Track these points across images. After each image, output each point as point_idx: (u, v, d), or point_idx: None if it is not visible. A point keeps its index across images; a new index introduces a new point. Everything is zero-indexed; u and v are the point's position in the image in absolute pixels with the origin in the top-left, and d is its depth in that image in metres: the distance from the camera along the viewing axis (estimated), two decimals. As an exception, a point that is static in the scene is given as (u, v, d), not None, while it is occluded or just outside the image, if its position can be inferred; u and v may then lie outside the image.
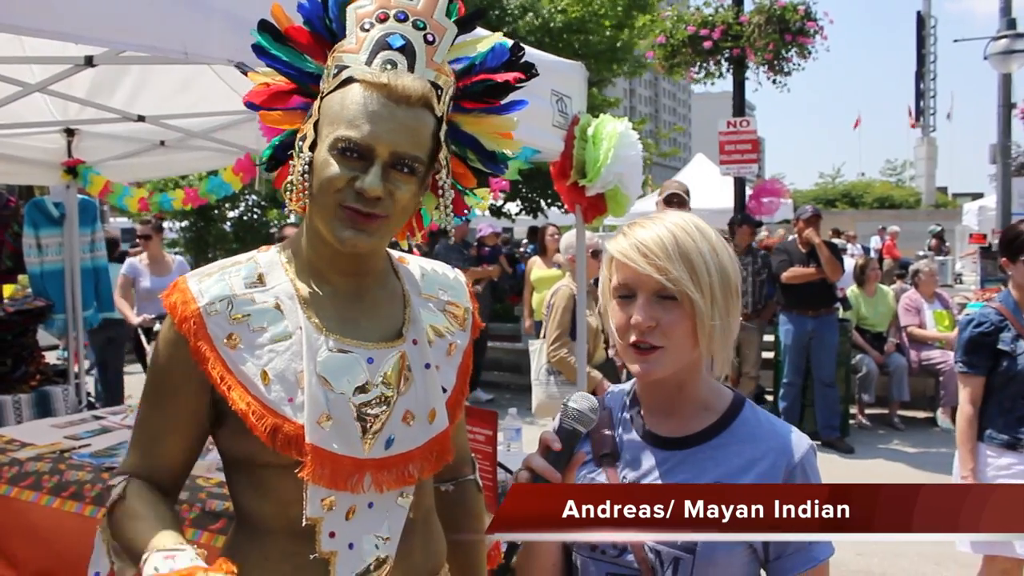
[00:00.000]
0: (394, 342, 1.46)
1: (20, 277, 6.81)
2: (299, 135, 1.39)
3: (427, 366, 1.48)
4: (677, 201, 5.44)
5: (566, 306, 4.89)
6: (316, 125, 1.36)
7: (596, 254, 4.94)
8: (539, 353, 5.11)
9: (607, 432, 1.53)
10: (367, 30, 1.34)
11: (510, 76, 1.45)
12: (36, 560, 3.37)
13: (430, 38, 1.37)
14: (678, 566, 1.38)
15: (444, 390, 1.52)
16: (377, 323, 1.47)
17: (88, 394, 5.99)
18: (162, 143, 5.25)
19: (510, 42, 1.48)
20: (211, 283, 1.39)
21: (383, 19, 1.35)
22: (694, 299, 1.36)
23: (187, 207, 5.51)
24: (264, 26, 1.39)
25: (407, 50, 1.34)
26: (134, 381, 8.19)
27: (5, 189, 7.07)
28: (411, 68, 1.34)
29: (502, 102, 1.48)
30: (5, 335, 5.10)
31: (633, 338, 1.40)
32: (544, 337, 5.03)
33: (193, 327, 1.35)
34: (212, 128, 4.81)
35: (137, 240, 6.66)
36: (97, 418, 4.40)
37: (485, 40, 1.47)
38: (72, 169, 5.41)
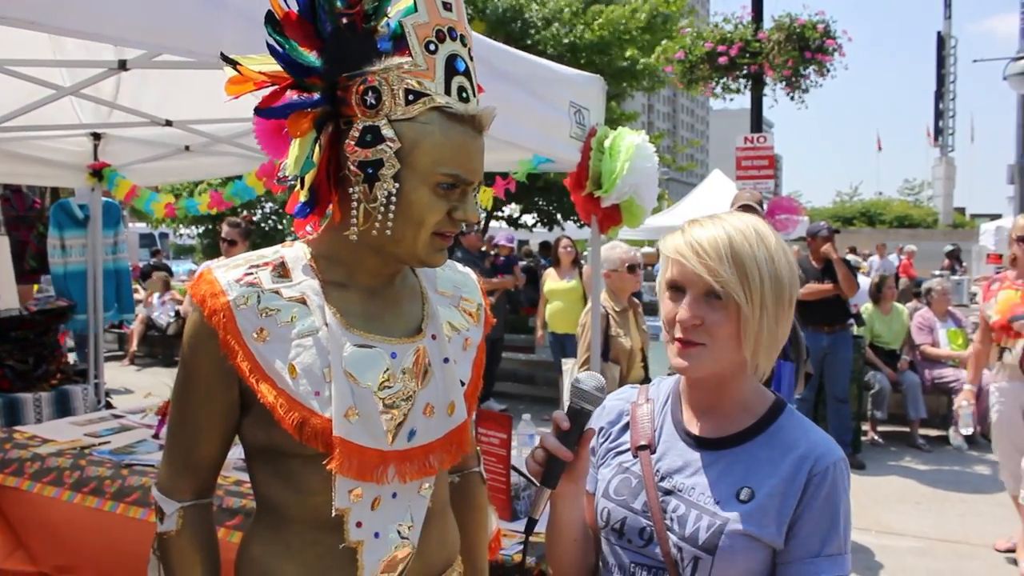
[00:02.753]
0: (415, 337, 1.49)
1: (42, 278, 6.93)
2: (358, 157, 1.34)
3: (446, 360, 1.52)
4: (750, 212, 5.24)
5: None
6: (398, 153, 1.33)
7: (632, 268, 4.84)
8: (570, 373, 5.10)
9: (647, 423, 1.56)
10: (433, 52, 1.34)
11: None
12: (55, 555, 3.43)
13: (471, 54, 1.41)
14: (697, 565, 1.40)
15: (462, 383, 1.56)
16: (399, 319, 1.50)
17: (107, 394, 6.07)
18: (187, 148, 5.32)
19: None
20: (239, 275, 1.40)
21: (442, 39, 1.34)
22: (740, 303, 1.37)
23: (212, 211, 5.57)
24: (268, 17, 1.35)
25: (468, 73, 1.38)
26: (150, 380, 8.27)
27: (31, 191, 7.18)
28: (473, 92, 1.39)
29: None
30: (28, 334, 5.18)
31: (678, 334, 1.43)
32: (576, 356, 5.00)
33: (223, 320, 1.36)
34: (238, 133, 4.87)
35: (220, 243, 6.32)
36: (116, 416, 4.47)
37: None
38: (97, 172, 5.48)
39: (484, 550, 1.82)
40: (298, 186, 1.44)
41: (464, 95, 1.36)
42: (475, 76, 1.41)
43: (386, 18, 1.38)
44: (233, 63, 1.37)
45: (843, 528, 1.40)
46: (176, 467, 1.48)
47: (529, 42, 13.12)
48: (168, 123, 4.65)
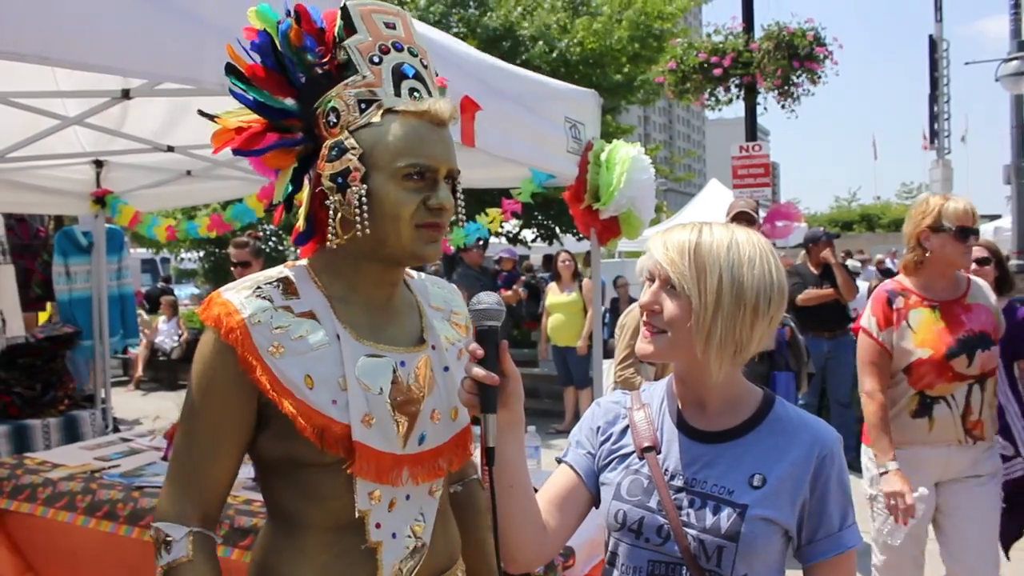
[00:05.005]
0: (420, 347, 1.57)
1: (48, 305, 6.97)
2: (327, 171, 1.43)
3: (446, 369, 1.60)
4: (746, 220, 5.26)
5: (636, 327, 4.76)
6: (362, 158, 1.42)
7: None
8: (608, 372, 5.11)
9: (647, 425, 1.62)
10: (377, 63, 1.43)
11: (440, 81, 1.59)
12: (67, 576, 3.47)
13: (424, 63, 1.49)
14: (721, 554, 1.46)
15: None
16: (401, 330, 1.57)
17: (115, 418, 6.10)
18: (188, 172, 5.38)
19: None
20: (250, 295, 1.45)
21: (386, 51, 1.44)
22: (691, 297, 1.46)
23: (212, 233, 5.59)
24: (229, 68, 1.45)
25: (419, 77, 1.46)
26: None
27: (33, 219, 7.23)
28: (428, 92, 1.47)
29: None
30: (35, 361, 5.23)
31: (644, 318, 1.55)
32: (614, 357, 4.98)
33: (240, 337, 1.40)
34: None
35: (232, 268, 5.70)
36: (124, 440, 4.50)
37: None
38: (100, 199, 5.54)
39: (491, 549, 1.84)
40: (301, 213, 1.51)
41: (416, 95, 1.44)
42: (431, 80, 1.49)
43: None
44: (211, 117, 1.47)
45: (851, 500, 1.53)
46: (182, 490, 1.46)
47: (521, 60, 13.22)
48: (170, 149, 4.71)
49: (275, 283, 1.49)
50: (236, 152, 1.48)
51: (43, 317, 7.10)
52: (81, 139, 4.84)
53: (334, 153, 1.43)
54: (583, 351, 8.62)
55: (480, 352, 1.45)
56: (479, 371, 1.44)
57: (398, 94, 1.43)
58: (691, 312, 1.46)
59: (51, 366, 5.36)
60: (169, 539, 1.42)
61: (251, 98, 1.45)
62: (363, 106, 1.42)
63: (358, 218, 1.41)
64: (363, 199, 1.41)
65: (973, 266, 4.06)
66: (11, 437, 4.76)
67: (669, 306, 1.50)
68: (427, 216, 1.44)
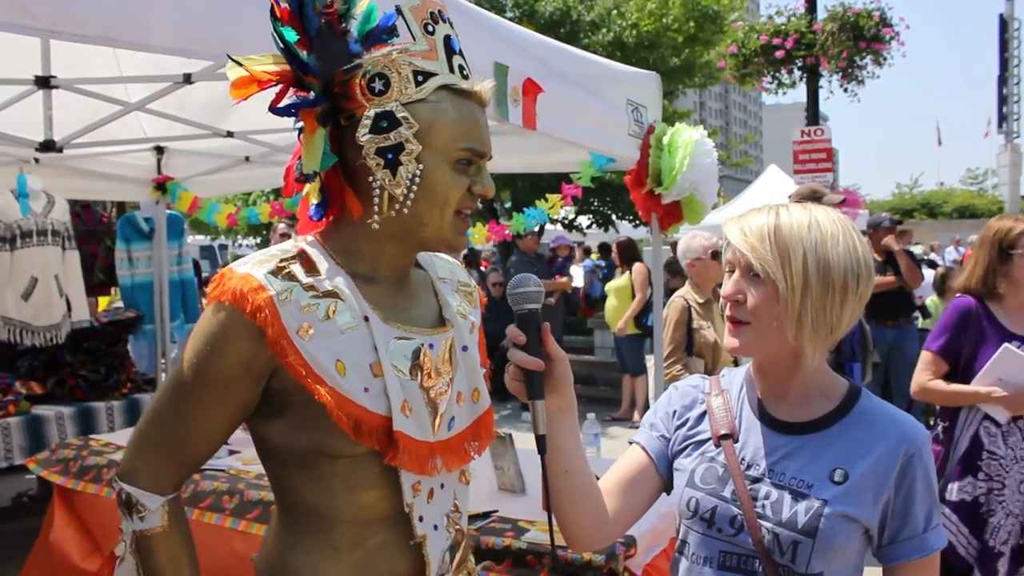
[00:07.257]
0: (443, 327, 1.49)
1: (112, 290, 7.09)
2: (374, 143, 1.32)
3: (464, 348, 1.52)
4: (814, 197, 5.07)
5: (679, 319, 4.43)
6: (417, 135, 1.33)
7: (716, 255, 4.44)
8: (656, 370, 4.98)
9: (725, 412, 1.57)
10: (431, 33, 1.35)
11: None
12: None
13: (457, 33, 1.43)
14: (797, 550, 1.40)
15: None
16: (422, 310, 1.49)
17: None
18: (247, 159, 5.41)
19: None
20: (272, 270, 1.32)
21: (436, 20, 1.36)
22: (778, 283, 1.40)
23: (274, 220, 5.60)
24: (272, 12, 1.34)
25: (461, 53, 1.40)
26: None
27: (97, 205, 7.36)
28: (469, 68, 1.42)
29: None
30: (99, 344, 5.33)
31: (728, 311, 1.48)
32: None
33: (267, 317, 1.27)
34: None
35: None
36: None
37: None
38: (161, 185, 5.59)
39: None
40: (314, 186, 1.41)
41: (464, 72, 1.39)
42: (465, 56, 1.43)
43: (353, 20, 1.38)
44: (238, 63, 1.35)
45: (937, 500, 1.45)
46: (163, 459, 1.36)
47: (579, 45, 13.12)
48: (229, 134, 4.73)
49: (294, 258, 1.37)
50: (271, 110, 1.37)
51: (103, 303, 7.21)
52: (144, 125, 4.90)
53: (384, 125, 1.32)
54: (621, 333, 8.57)
55: (522, 338, 1.40)
56: (520, 356, 1.39)
57: (451, 70, 1.36)
58: (778, 298, 1.41)
59: (114, 350, 5.46)
60: (143, 508, 1.34)
61: (284, 46, 1.33)
62: (419, 78, 1.33)
63: (403, 197, 1.34)
64: (416, 178, 1.34)
65: None
66: (77, 419, 4.86)
67: (753, 294, 1.44)
68: (468, 201, 1.40)
